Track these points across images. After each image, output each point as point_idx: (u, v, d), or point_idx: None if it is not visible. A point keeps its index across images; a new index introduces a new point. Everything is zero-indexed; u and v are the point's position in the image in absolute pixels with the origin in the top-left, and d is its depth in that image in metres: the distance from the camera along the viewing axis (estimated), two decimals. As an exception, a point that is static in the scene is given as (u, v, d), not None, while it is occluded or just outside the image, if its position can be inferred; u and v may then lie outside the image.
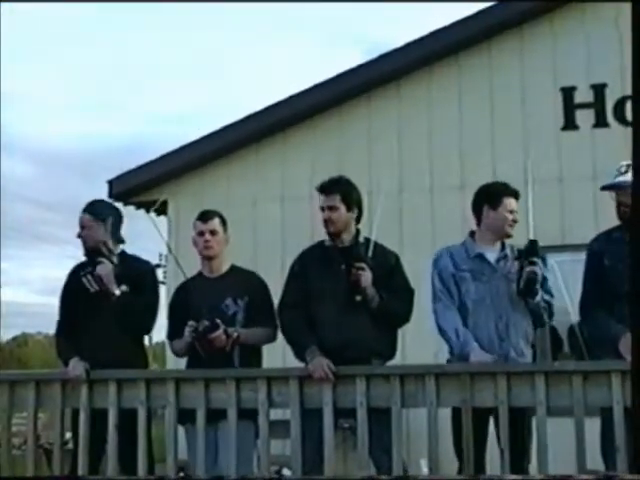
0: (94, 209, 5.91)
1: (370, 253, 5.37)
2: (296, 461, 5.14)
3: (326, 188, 5.57)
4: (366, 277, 5.27)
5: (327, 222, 5.51)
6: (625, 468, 4.73)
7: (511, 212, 5.55)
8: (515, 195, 5.62)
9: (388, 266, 5.47)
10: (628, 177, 5.21)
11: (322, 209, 5.54)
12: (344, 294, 5.29)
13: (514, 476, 4.89)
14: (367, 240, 5.45)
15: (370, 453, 5.11)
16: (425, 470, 5.53)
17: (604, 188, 5.34)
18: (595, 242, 5.45)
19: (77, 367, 5.47)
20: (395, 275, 5.49)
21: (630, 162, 5.24)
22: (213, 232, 5.72)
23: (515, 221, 5.55)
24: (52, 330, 6.04)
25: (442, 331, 5.45)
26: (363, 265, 5.27)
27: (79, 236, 5.84)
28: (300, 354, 5.29)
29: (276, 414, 5.34)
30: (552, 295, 5.58)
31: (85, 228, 5.84)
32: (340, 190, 5.54)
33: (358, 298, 5.27)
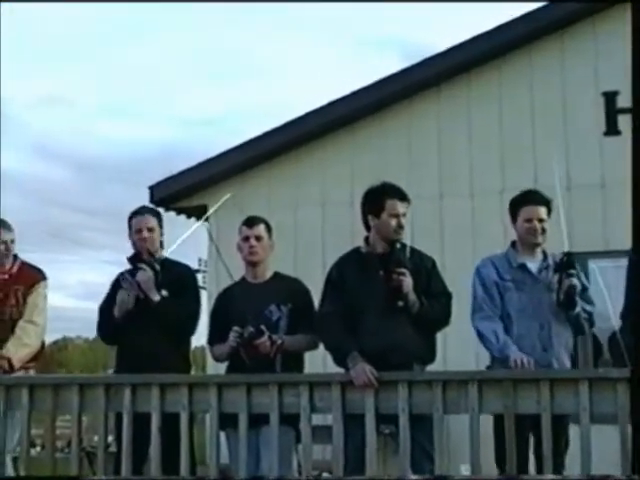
0: (157, 213, 6.00)
1: (408, 257, 5.38)
2: (337, 466, 5.14)
3: (403, 195, 5.51)
4: (407, 282, 5.27)
5: (400, 228, 5.44)
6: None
7: (531, 221, 5.52)
8: (543, 203, 5.58)
9: (425, 271, 5.46)
10: None
11: (396, 216, 5.45)
12: (384, 300, 5.28)
13: (551, 476, 4.87)
14: (403, 245, 5.45)
15: (411, 459, 5.10)
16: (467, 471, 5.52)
17: None
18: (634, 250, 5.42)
19: None
20: (433, 280, 5.48)
21: None
22: (258, 238, 5.75)
23: (544, 230, 5.52)
24: (92, 334, 6.11)
25: (481, 336, 5.46)
26: (404, 270, 5.27)
27: (140, 239, 5.88)
28: (341, 360, 5.28)
29: (317, 419, 5.36)
30: (593, 304, 5.58)
31: (149, 230, 5.88)
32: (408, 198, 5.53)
33: (400, 304, 5.26)
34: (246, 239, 5.76)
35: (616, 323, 5.58)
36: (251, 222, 5.82)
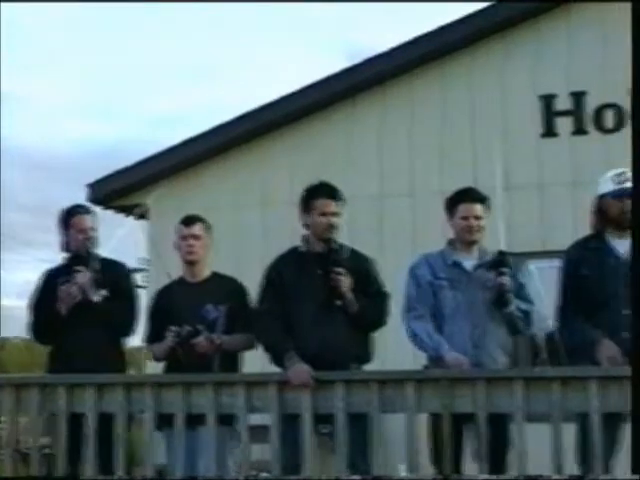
0: (94, 211, 5.95)
1: (346, 257, 5.39)
2: (275, 466, 5.14)
3: (336, 195, 5.50)
4: (345, 282, 5.28)
5: (331, 227, 5.44)
6: (600, 473, 4.77)
7: (467, 218, 5.52)
8: (479, 200, 5.59)
9: (363, 270, 5.48)
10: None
11: (327, 215, 5.47)
12: (322, 299, 5.29)
13: (485, 475, 4.91)
14: (341, 245, 5.46)
15: (348, 459, 5.11)
16: (403, 474, 5.54)
17: (617, 194, 5.33)
18: (572, 250, 5.50)
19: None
20: (370, 279, 5.50)
21: (624, 170, 5.33)
22: (196, 237, 5.72)
23: (480, 227, 5.54)
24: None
25: (414, 336, 5.46)
26: (342, 270, 5.29)
27: (85, 239, 5.79)
28: (278, 360, 5.28)
29: (255, 419, 5.35)
30: (532, 303, 5.58)
31: (89, 230, 5.81)
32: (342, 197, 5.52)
33: (338, 303, 5.28)
34: (184, 238, 5.73)
35: (553, 324, 5.62)
36: (189, 221, 5.79)
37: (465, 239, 5.58)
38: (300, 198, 5.57)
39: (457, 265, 5.57)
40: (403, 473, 5.35)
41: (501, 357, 5.51)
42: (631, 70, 4.96)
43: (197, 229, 5.75)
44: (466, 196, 5.63)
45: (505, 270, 5.39)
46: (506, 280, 5.37)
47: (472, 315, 5.46)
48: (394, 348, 6.36)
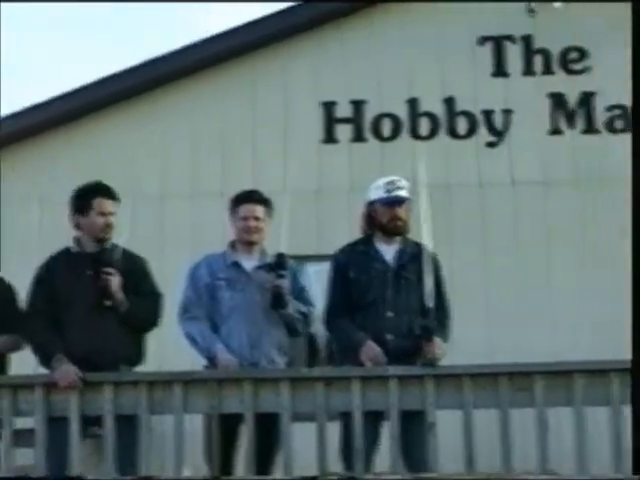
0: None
1: (118, 258, 5.37)
2: (39, 470, 5.05)
3: (113, 195, 5.49)
4: (115, 282, 5.27)
5: (107, 227, 5.42)
6: (362, 469, 4.93)
7: (247, 219, 5.63)
8: (260, 202, 5.70)
9: (136, 271, 5.48)
10: (403, 192, 5.48)
11: (104, 214, 5.42)
12: (92, 300, 5.25)
13: (255, 476, 4.99)
14: (114, 246, 5.44)
15: (117, 461, 5.08)
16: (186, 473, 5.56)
17: (388, 202, 5.50)
18: (340, 253, 5.67)
19: None
20: (143, 280, 5.50)
21: (397, 178, 5.53)
22: None
23: (259, 228, 5.64)
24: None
25: (189, 337, 5.51)
26: (112, 270, 5.27)
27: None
28: (46, 361, 5.20)
29: (25, 423, 5.24)
30: (312, 305, 5.73)
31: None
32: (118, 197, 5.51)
33: (108, 303, 5.26)
34: None
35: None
36: None
37: (244, 239, 5.66)
38: (73, 198, 5.51)
39: (236, 265, 5.64)
40: (187, 473, 5.38)
41: (278, 357, 5.62)
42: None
43: None
44: (247, 197, 5.72)
45: (284, 272, 5.50)
46: (284, 282, 5.49)
47: (250, 315, 5.54)
48: (173, 349, 6.34)
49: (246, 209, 5.65)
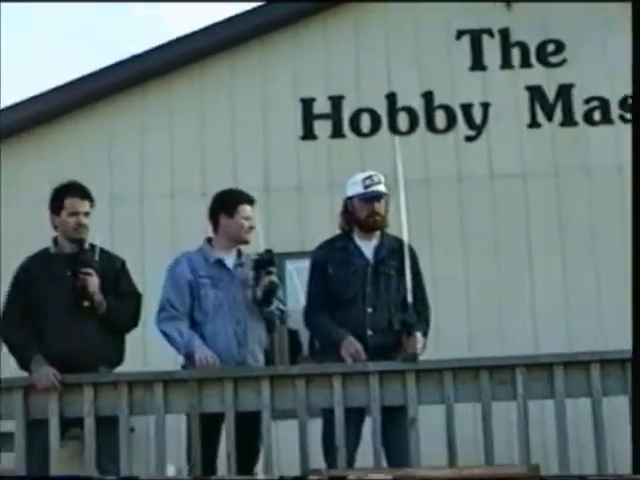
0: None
1: (97, 258, 5.34)
2: (20, 473, 5.02)
3: (85, 194, 5.47)
4: (93, 282, 5.24)
5: (80, 227, 5.39)
6: (344, 466, 4.93)
7: (246, 219, 5.63)
8: (250, 202, 5.71)
9: (115, 271, 5.46)
10: (381, 187, 5.47)
11: (76, 214, 5.39)
12: (71, 301, 5.23)
13: (238, 477, 4.98)
14: (93, 246, 5.41)
15: (98, 462, 5.06)
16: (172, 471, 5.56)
17: (366, 197, 5.49)
18: (319, 250, 5.67)
19: None
20: (122, 280, 5.49)
21: (374, 173, 5.52)
22: None
23: (252, 227, 5.64)
24: None
25: (166, 336, 5.49)
26: (90, 270, 5.24)
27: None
28: (25, 364, 5.18)
29: (5, 426, 5.21)
30: (284, 302, 5.77)
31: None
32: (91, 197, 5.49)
33: (86, 304, 5.23)
34: None
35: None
36: None
37: (242, 239, 5.65)
38: (50, 198, 5.49)
39: (219, 263, 5.62)
40: (171, 473, 5.37)
41: (260, 355, 5.63)
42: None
43: None
44: (243, 197, 5.73)
45: (272, 270, 5.50)
46: (275, 279, 5.49)
47: (235, 313, 5.53)
48: (158, 350, 6.31)
49: (245, 209, 5.64)
